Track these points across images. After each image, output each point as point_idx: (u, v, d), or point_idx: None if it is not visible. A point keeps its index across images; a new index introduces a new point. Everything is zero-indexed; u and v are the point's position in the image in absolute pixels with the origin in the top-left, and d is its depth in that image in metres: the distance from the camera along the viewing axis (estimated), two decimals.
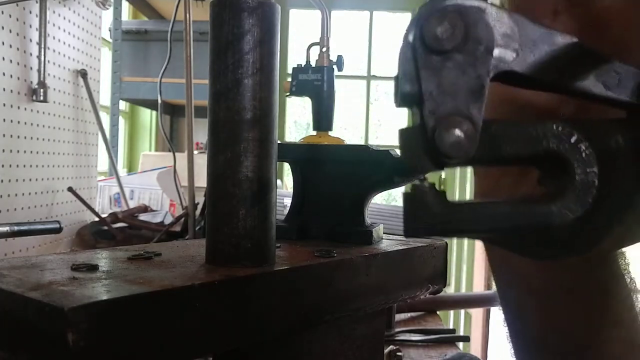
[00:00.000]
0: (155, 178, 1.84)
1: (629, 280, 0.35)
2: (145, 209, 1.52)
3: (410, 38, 0.23)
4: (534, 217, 0.25)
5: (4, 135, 1.03)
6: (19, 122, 1.08)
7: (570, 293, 0.34)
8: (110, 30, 2.76)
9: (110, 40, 2.80)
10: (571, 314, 0.35)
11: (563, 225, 0.25)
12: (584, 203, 0.25)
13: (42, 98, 1.11)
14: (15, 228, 0.82)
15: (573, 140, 0.25)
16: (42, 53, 1.11)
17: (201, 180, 0.81)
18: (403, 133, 0.24)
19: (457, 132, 0.23)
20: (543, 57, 0.25)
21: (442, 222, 0.24)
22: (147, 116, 3.92)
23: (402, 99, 0.24)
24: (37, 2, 1.10)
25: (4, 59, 1.02)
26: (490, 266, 0.39)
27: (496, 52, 0.24)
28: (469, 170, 2.63)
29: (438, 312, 1.07)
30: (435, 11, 0.23)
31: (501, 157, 0.25)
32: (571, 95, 0.26)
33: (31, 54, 1.11)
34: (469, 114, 0.23)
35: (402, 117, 3.37)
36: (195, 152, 1.26)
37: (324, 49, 0.68)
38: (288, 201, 0.58)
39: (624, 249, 0.34)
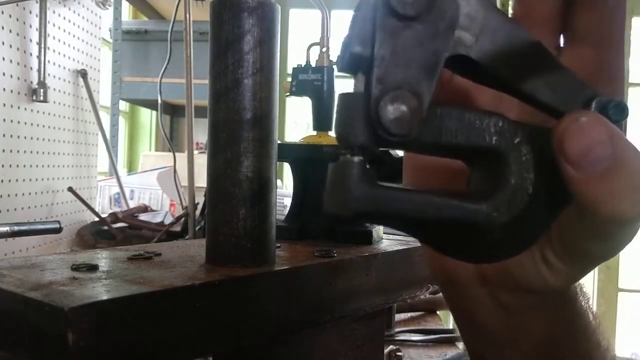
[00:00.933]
0: (155, 178, 1.84)
1: (591, 316, 0.33)
2: (145, 209, 1.52)
3: None
4: (461, 211, 0.23)
5: (4, 135, 1.03)
6: (19, 122, 1.08)
7: (538, 339, 0.32)
8: (110, 30, 2.75)
9: (110, 40, 2.80)
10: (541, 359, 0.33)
11: (489, 227, 0.23)
12: (514, 208, 0.23)
13: (42, 98, 1.11)
14: (15, 228, 0.82)
15: (516, 141, 0.24)
16: (42, 53, 1.11)
17: (201, 180, 0.81)
18: (343, 98, 0.22)
19: (403, 107, 0.21)
20: (501, 48, 0.23)
21: (364, 203, 0.22)
22: (147, 116, 3.92)
23: (349, 62, 0.22)
24: (37, 2, 1.10)
25: (4, 59, 1.02)
26: (453, 317, 0.36)
27: (457, 32, 0.22)
28: None
29: (438, 312, 1.07)
30: None
31: (440, 145, 0.23)
32: (517, 98, 0.25)
33: (31, 54, 1.10)
34: (419, 90, 0.21)
35: None
36: (195, 152, 1.26)
37: (324, 49, 0.68)
38: (288, 201, 0.58)
39: (582, 283, 0.33)
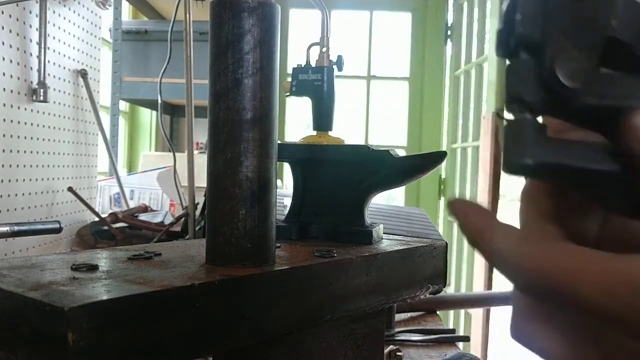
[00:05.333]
0: (155, 178, 1.84)
1: None
2: (145, 209, 1.53)
3: None
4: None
5: (4, 135, 1.03)
6: (19, 122, 1.08)
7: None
8: (110, 30, 2.75)
9: (110, 40, 2.80)
10: None
11: None
12: None
13: (42, 98, 1.11)
14: (15, 228, 0.82)
15: None
16: (42, 53, 1.11)
17: (201, 180, 0.81)
18: (514, 63, 0.25)
19: (574, 64, 0.24)
20: (637, 29, 0.25)
21: (543, 155, 0.24)
22: (147, 116, 3.91)
23: (519, 40, 0.24)
24: (37, 2, 1.10)
25: (4, 59, 1.02)
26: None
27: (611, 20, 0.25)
28: (469, 168, 2.63)
29: (438, 312, 1.07)
30: None
31: (600, 108, 0.25)
32: None
33: (31, 54, 1.10)
34: (585, 54, 0.24)
35: (401, 117, 3.37)
36: (195, 152, 1.26)
37: (324, 49, 0.68)
38: (288, 201, 0.58)
39: None
